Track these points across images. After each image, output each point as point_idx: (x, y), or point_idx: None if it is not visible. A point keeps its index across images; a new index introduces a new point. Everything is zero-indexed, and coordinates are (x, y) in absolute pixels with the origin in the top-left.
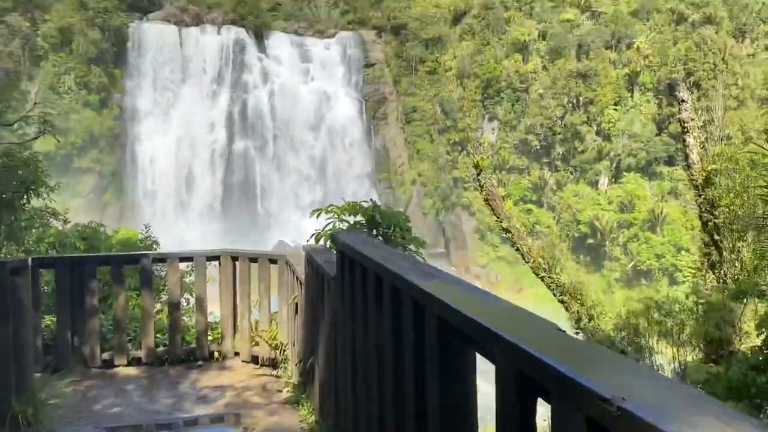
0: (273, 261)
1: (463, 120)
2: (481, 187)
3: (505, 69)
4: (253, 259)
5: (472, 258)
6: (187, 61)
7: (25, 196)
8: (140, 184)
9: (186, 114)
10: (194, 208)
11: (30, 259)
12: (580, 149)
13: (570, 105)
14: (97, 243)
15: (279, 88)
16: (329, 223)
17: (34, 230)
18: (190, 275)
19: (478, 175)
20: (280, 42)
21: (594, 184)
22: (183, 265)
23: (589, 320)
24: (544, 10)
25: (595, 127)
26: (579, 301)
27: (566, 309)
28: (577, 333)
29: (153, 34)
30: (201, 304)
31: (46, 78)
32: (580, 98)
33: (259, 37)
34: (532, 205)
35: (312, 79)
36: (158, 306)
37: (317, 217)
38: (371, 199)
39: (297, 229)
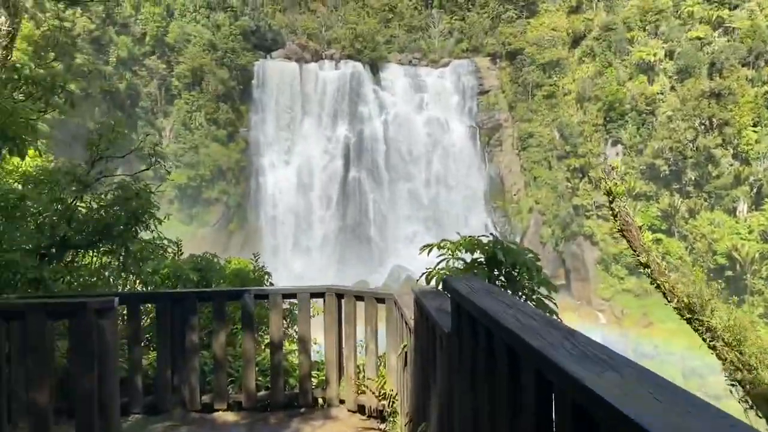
0: (380, 300)
1: (583, 145)
2: (615, 216)
3: (629, 91)
4: (359, 297)
5: (595, 290)
6: (307, 95)
7: (135, 228)
8: (262, 213)
9: (305, 145)
10: (312, 235)
11: (116, 298)
12: (714, 174)
13: (702, 127)
14: (210, 274)
15: (393, 118)
16: (442, 260)
17: (149, 262)
18: (295, 310)
19: (611, 202)
20: (394, 73)
21: (732, 211)
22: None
23: (749, 371)
24: (670, 29)
25: (731, 150)
26: (736, 349)
27: (719, 357)
28: (733, 386)
29: (275, 71)
30: (304, 345)
31: (179, 115)
32: (714, 119)
33: (375, 69)
34: (661, 234)
35: (426, 108)
36: (266, 339)
37: (428, 253)
38: (492, 234)
39: (411, 255)
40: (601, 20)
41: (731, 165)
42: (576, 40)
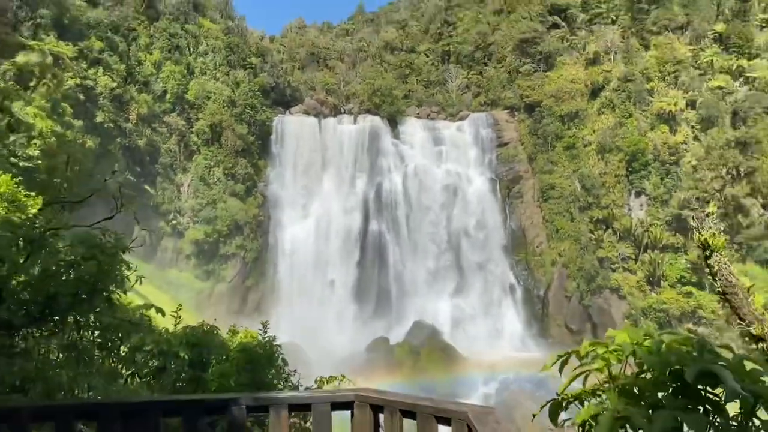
0: (444, 420)
1: (606, 196)
2: (713, 275)
3: (651, 141)
4: (408, 413)
5: None
6: (326, 149)
7: (89, 298)
8: (280, 269)
9: (324, 199)
10: (330, 290)
11: None
12: (745, 224)
13: (729, 176)
14: (206, 352)
15: (412, 171)
16: (581, 373)
17: (132, 337)
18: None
19: (707, 258)
20: (413, 127)
21: (765, 263)
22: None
23: None
24: (691, 79)
25: (761, 200)
26: None
27: None
28: None
29: (294, 126)
30: None
31: (197, 170)
32: (741, 168)
33: (393, 123)
34: (691, 287)
35: (445, 160)
36: None
37: (561, 367)
38: (693, 330)
39: (431, 310)
40: (620, 72)
41: (762, 215)
42: (595, 92)
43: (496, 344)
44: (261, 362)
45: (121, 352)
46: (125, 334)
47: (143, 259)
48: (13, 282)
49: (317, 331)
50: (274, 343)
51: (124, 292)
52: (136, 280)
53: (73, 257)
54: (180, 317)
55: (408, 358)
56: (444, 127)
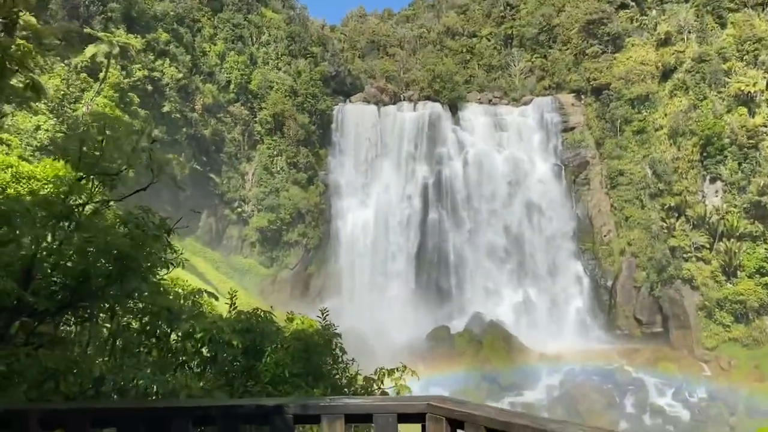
0: None
1: (679, 183)
2: None
3: (728, 124)
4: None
5: (697, 339)
6: (385, 137)
7: (122, 281)
8: (341, 256)
9: (384, 187)
10: (390, 278)
11: None
12: None
13: None
14: (260, 338)
15: (473, 158)
16: None
17: (183, 323)
18: None
19: None
20: (473, 113)
21: None
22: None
23: None
24: None
25: None
26: None
27: None
28: None
29: (354, 115)
30: None
31: (261, 160)
32: None
33: (454, 109)
34: None
35: (506, 146)
36: None
37: None
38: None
39: (493, 299)
40: (693, 52)
41: None
42: (666, 74)
43: (561, 335)
44: (317, 350)
45: (171, 340)
46: (165, 320)
47: (209, 246)
48: (45, 264)
49: (377, 319)
50: (333, 331)
51: (155, 276)
52: (179, 264)
53: (108, 237)
54: (235, 303)
55: (469, 348)
56: (506, 112)
